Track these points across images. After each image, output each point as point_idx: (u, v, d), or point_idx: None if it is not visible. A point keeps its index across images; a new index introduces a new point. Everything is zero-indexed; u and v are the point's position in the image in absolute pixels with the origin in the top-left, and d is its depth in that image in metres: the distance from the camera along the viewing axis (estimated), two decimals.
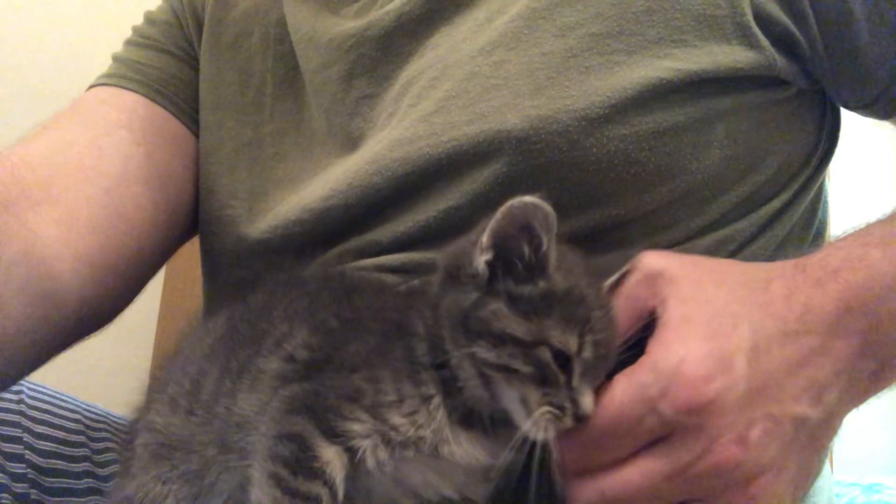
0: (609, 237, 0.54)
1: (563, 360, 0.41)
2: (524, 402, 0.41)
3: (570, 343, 0.41)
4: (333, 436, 0.42)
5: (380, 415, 0.43)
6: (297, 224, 0.61)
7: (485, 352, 0.41)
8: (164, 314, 1.49)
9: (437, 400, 0.43)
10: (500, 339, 0.41)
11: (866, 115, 0.63)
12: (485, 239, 0.42)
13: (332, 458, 0.42)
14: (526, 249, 0.42)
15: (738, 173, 0.56)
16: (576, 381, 0.41)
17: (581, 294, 0.42)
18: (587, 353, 0.41)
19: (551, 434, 0.41)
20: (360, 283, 0.54)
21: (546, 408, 0.41)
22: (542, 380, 0.41)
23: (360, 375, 0.43)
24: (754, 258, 0.58)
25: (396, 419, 0.42)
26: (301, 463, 0.42)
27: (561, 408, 0.41)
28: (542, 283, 0.42)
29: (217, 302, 0.70)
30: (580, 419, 0.41)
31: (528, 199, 0.41)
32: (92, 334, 0.64)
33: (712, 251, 0.56)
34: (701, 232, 0.56)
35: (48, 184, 0.60)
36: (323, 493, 0.41)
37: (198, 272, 0.74)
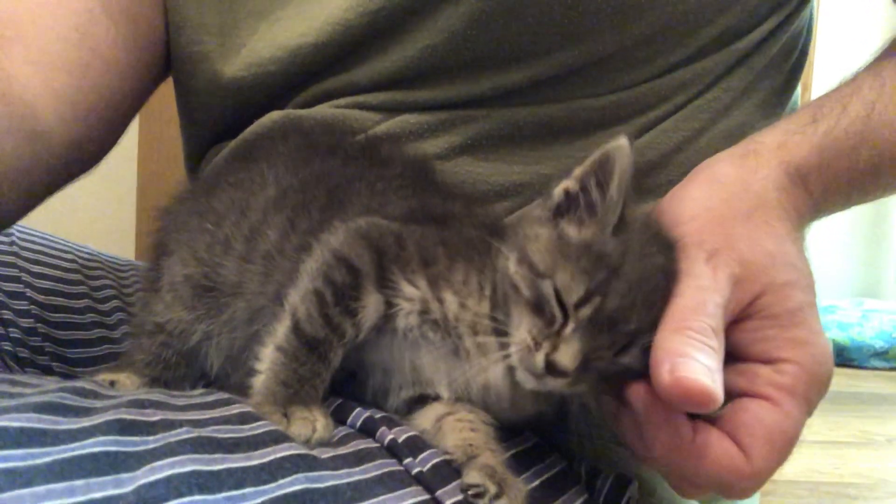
0: (588, 73, 0.54)
1: (564, 307, 0.41)
2: (518, 327, 0.42)
3: (573, 291, 0.40)
4: (384, 286, 0.44)
5: (437, 287, 0.44)
6: (272, 62, 0.59)
7: (511, 263, 0.43)
8: (143, 158, 1.48)
9: (488, 300, 0.45)
10: (523, 259, 0.43)
11: None
12: (577, 171, 0.43)
13: (370, 304, 0.44)
14: (595, 195, 0.42)
15: (718, 5, 0.55)
16: (567, 332, 0.41)
17: (615, 258, 0.41)
18: (587, 310, 0.40)
19: (521, 368, 0.42)
20: (446, 182, 0.54)
21: (527, 337, 0.41)
22: (540, 312, 0.41)
23: (444, 250, 0.45)
24: (731, 90, 0.58)
25: (448, 295, 0.44)
26: (344, 296, 0.44)
27: (539, 345, 0.41)
28: (586, 231, 0.42)
29: (196, 143, 0.69)
30: (550, 366, 0.41)
31: (623, 143, 0.41)
32: (81, 175, 0.64)
33: (689, 83, 0.56)
34: (679, 65, 0.56)
35: (15, 23, 0.58)
36: (349, 331, 0.44)
37: (172, 111, 0.72)
